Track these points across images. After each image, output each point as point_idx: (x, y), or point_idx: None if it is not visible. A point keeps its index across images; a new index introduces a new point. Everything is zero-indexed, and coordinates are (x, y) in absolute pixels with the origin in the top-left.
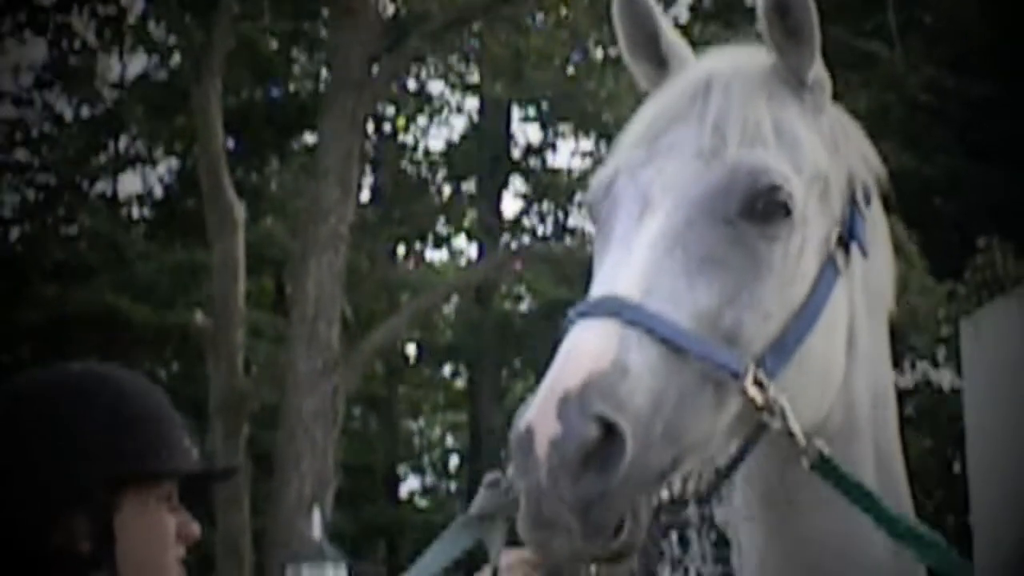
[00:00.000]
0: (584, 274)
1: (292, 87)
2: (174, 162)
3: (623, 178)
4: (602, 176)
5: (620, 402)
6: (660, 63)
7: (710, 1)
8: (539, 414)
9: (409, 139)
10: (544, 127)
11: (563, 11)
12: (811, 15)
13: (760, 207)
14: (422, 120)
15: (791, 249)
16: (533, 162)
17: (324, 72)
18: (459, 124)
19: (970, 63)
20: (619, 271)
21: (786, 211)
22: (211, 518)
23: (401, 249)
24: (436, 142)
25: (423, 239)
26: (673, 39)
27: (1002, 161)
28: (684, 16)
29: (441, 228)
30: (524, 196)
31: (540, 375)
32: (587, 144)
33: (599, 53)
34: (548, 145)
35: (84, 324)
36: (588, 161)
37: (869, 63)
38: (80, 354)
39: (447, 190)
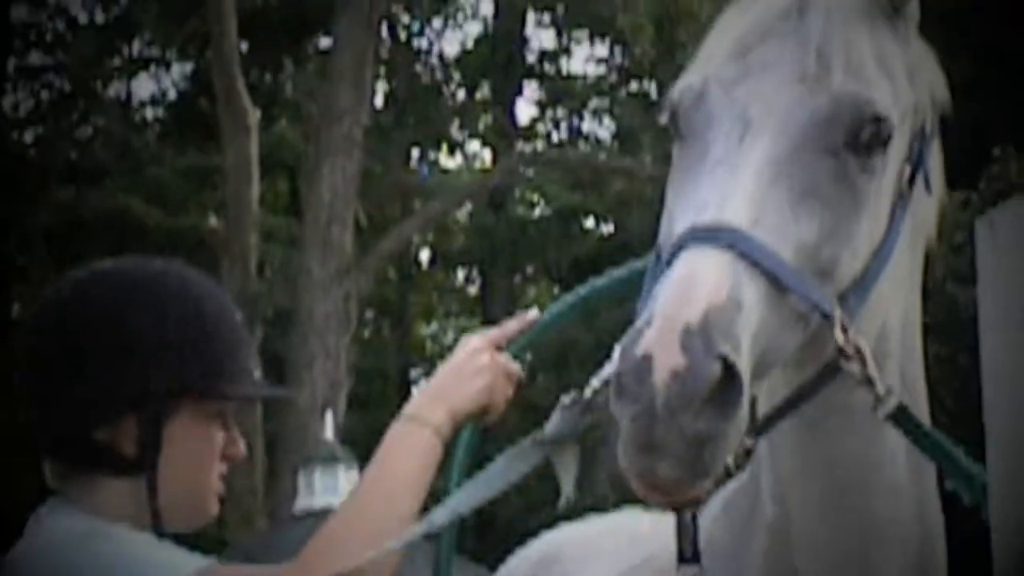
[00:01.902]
0: (597, 180)
1: None
2: (188, 65)
3: (716, 91)
4: (690, 84)
5: (737, 341)
6: None
7: None
8: (660, 344)
9: (423, 43)
10: (559, 33)
11: None
12: None
13: (864, 140)
14: (436, 24)
15: (883, 185)
16: (548, 68)
17: None
18: (473, 29)
19: None
20: (728, 197)
21: (884, 145)
22: None
23: (415, 153)
24: (450, 47)
25: (437, 144)
26: None
27: (1018, 69)
28: None
29: (455, 133)
30: (538, 102)
31: (554, 281)
32: (602, 50)
33: None
34: (563, 51)
35: (97, 227)
36: (602, 67)
37: None
38: (94, 257)
39: (461, 95)
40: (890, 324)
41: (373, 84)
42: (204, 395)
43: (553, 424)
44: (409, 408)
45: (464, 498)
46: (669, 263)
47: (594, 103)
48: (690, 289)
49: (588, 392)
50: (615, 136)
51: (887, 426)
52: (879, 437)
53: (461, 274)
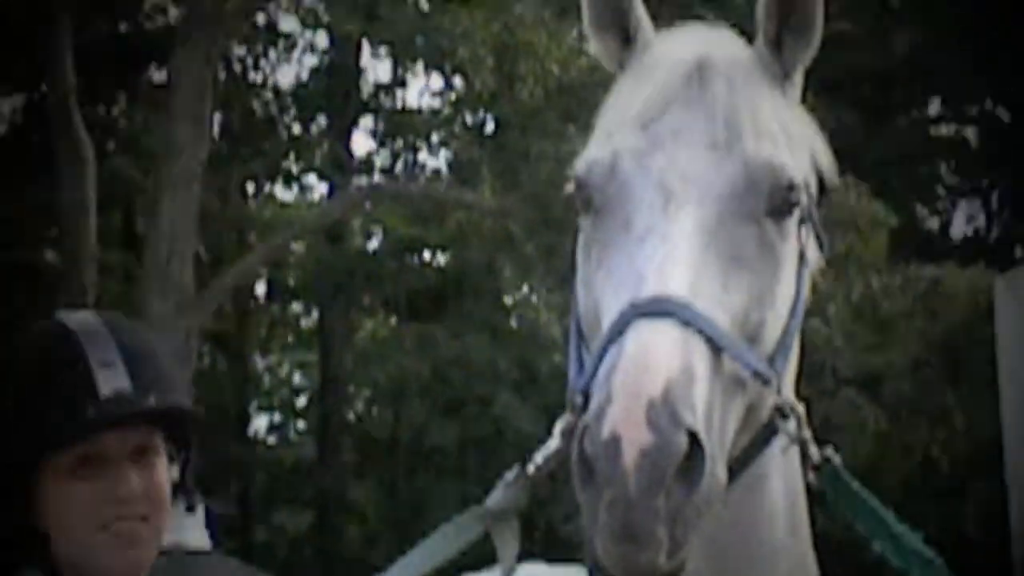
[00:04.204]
0: (436, 212)
1: (141, 23)
2: (20, 98)
3: (628, 162)
4: (598, 156)
5: (696, 411)
6: (626, 40)
7: None
8: (626, 422)
9: (258, 76)
10: (396, 65)
11: None
12: (819, 12)
13: (779, 205)
14: (272, 56)
15: (794, 246)
16: (384, 100)
17: (172, 9)
18: (308, 61)
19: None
20: (665, 268)
21: (793, 209)
22: None
23: (251, 187)
24: (285, 79)
25: (272, 177)
26: (642, 15)
27: (854, 100)
28: None
29: (291, 166)
30: (375, 134)
31: (390, 312)
32: (438, 82)
33: None
34: (399, 83)
35: None
36: (438, 100)
37: (719, 4)
38: None
39: (296, 128)
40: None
41: (212, 118)
42: (28, 460)
43: (495, 498)
44: None
45: (402, 572)
46: (615, 337)
47: (431, 135)
48: (647, 363)
49: (531, 468)
50: (451, 168)
51: (767, 487)
52: (758, 498)
53: (298, 307)
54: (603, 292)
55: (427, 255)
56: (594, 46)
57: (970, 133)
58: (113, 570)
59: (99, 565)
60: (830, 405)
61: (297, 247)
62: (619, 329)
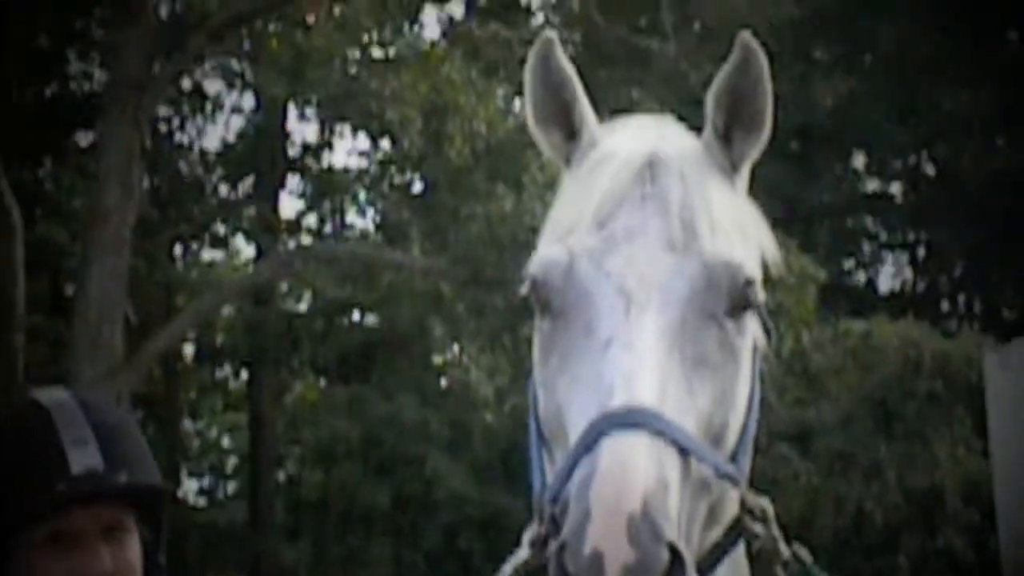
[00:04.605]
0: (365, 273)
1: (66, 86)
2: None
3: (585, 264)
4: (554, 257)
5: (674, 523)
6: (571, 134)
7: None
8: (608, 538)
9: (184, 139)
10: (322, 126)
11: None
12: (768, 107)
13: (738, 302)
14: (198, 119)
15: (750, 341)
16: (310, 161)
17: (98, 72)
18: (235, 123)
19: None
20: (632, 377)
21: (751, 304)
22: None
23: (178, 250)
24: (212, 141)
25: (200, 239)
26: (586, 110)
27: (782, 158)
28: (459, 13)
29: (219, 228)
30: (302, 195)
31: (319, 373)
32: (364, 143)
33: (378, 52)
34: (325, 144)
35: None
36: (364, 160)
37: (644, 59)
38: None
39: (224, 190)
40: None
41: (141, 182)
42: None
43: None
44: None
45: None
46: (586, 449)
47: (359, 196)
48: (624, 477)
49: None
50: (380, 228)
51: (714, 571)
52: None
53: (226, 369)
54: (568, 399)
55: (356, 315)
56: (538, 140)
57: (896, 187)
58: None
59: None
60: (762, 460)
61: (225, 309)
62: (590, 441)
